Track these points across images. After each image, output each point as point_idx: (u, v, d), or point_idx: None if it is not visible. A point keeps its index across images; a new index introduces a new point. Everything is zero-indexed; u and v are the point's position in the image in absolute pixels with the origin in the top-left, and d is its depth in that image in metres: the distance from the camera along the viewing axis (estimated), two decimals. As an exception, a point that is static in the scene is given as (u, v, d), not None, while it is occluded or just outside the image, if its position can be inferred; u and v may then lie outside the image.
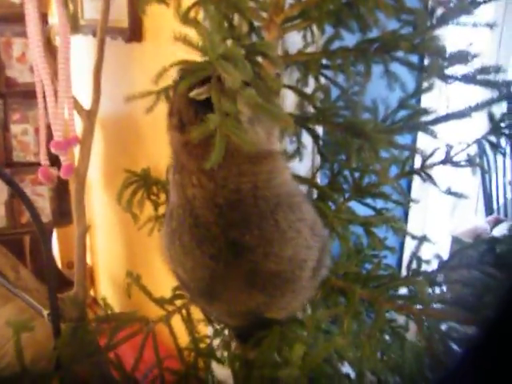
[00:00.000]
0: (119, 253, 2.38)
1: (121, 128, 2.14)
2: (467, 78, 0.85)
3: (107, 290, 2.59)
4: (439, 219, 1.83)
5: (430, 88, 1.05)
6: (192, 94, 0.73)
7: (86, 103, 1.80)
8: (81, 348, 1.09)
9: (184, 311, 1.11)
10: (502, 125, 1.08)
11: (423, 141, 1.21)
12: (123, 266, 2.34)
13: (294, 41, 1.11)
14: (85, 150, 1.79)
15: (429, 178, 1.12)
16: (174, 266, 0.89)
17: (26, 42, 2.12)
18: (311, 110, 1.09)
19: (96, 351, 1.09)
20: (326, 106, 1.05)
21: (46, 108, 1.74)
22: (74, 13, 1.81)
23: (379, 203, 1.17)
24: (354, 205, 1.16)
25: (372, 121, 0.96)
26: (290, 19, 0.96)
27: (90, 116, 1.76)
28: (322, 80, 1.09)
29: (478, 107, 0.90)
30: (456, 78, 0.83)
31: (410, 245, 1.54)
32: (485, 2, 0.83)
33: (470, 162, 1.13)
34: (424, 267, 1.06)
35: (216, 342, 1.13)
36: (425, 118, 0.94)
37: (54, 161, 1.91)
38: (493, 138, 1.10)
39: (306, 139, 1.18)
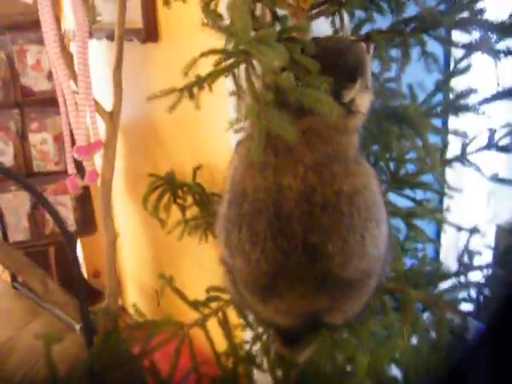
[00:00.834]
0: (145, 259, 2.35)
1: (140, 131, 2.10)
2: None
3: (135, 297, 2.56)
4: (477, 208, 1.77)
5: (467, 68, 1.00)
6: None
7: (107, 106, 1.76)
8: (114, 357, 1.05)
9: (220, 314, 1.06)
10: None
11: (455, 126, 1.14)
12: (150, 273, 2.30)
13: (322, 28, 1.06)
14: (109, 152, 1.74)
15: (472, 165, 1.06)
16: (230, 253, 0.81)
17: (40, 48, 2.10)
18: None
19: (130, 359, 1.05)
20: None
21: (67, 115, 1.70)
22: (88, 17, 1.78)
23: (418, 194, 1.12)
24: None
25: (414, 105, 0.90)
26: (317, 5, 0.92)
27: (112, 117, 1.72)
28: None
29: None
30: (509, 53, 0.77)
31: (447, 235, 1.47)
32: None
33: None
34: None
35: (255, 347, 1.08)
36: (470, 100, 0.88)
37: (78, 168, 1.87)
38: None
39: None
